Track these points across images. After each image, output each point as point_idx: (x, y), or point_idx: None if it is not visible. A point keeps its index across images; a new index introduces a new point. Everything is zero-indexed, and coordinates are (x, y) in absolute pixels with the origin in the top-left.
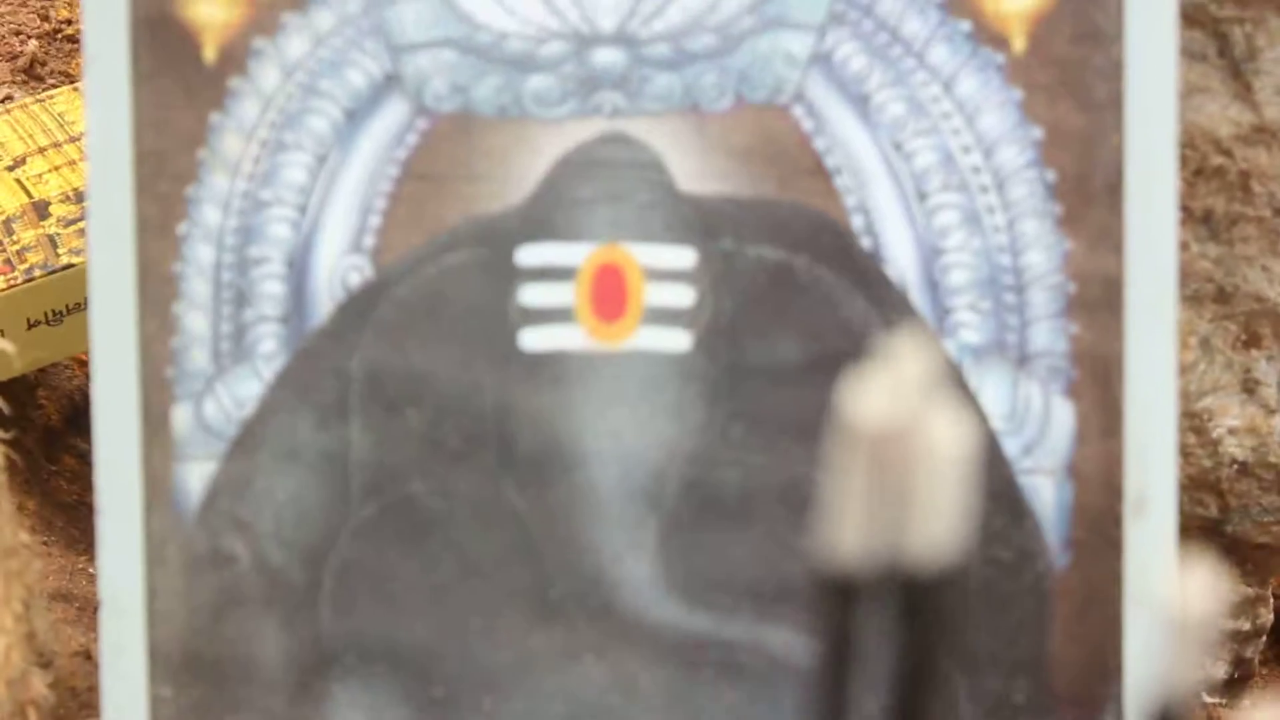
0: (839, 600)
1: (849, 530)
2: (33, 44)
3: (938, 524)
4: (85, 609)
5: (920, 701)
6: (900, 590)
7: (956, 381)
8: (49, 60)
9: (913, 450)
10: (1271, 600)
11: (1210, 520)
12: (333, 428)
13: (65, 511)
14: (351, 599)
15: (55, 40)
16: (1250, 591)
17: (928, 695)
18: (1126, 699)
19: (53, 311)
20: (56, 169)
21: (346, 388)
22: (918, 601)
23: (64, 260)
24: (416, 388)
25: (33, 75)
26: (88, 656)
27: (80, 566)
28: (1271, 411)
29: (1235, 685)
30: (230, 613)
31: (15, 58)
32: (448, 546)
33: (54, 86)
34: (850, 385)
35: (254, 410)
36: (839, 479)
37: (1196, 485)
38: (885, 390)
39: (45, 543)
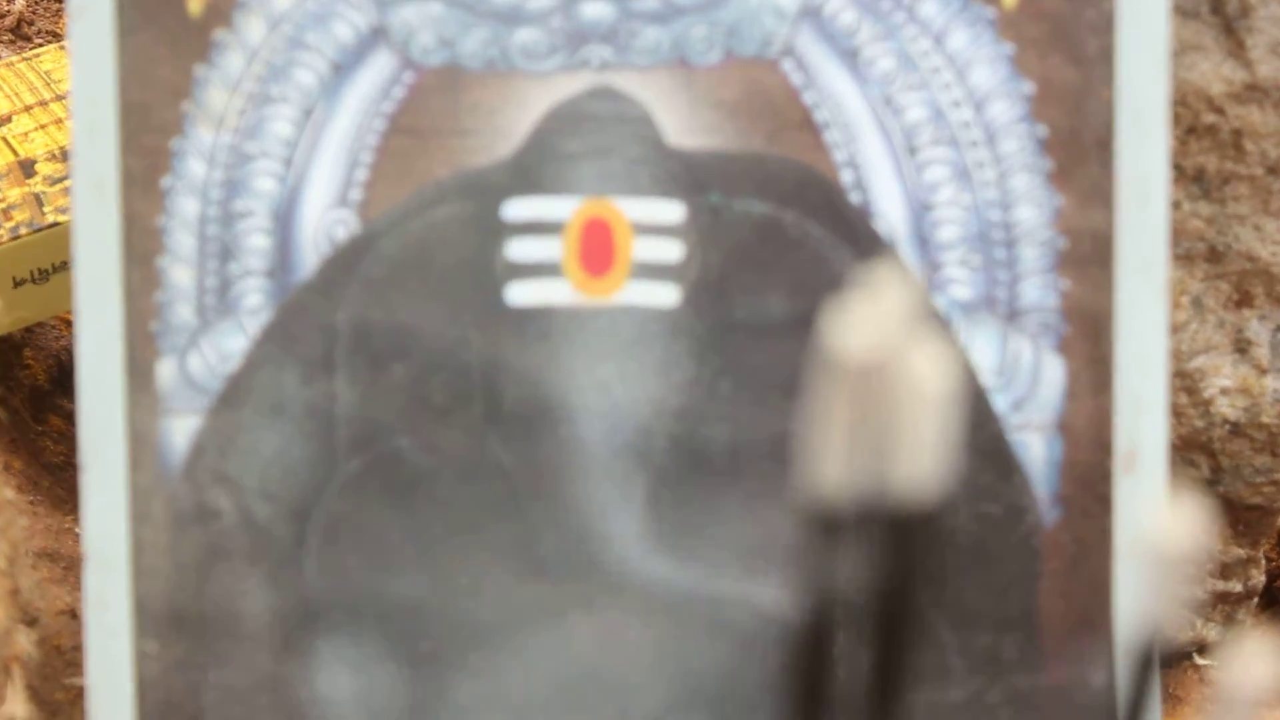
0: (822, 537)
1: (831, 465)
2: (20, 3)
3: (920, 459)
4: (71, 568)
5: (904, 647)
6: (883, 526)
7: (946, 336)
8: (36, 20)
9: (894, 383)
10: (1263, 562)
11: (1202, 481)
12: (318, 382)
13: (52, 472)
14: (337, 554)
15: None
16: (1242, 553)
17: (912, 641)
18: (1116, 654)
19: (39, 270)
20: (43, 127)
21: (332, 342)
22: (900, 538)
23: (50, 219)
24: (403, 342)
25: (20, 35)
26: (73, 615)
27: (67, 526)
28: (1264, 371)
29: (1229, 643)
30: (215, 568)
31: (2, 17)
32: (434, 502)
33: (41, 45)
34: (832, 318)
35: (239, 365)
36: (820, 413)
37: (1188, 445)
38: (867, 322)
39: (32, 502)
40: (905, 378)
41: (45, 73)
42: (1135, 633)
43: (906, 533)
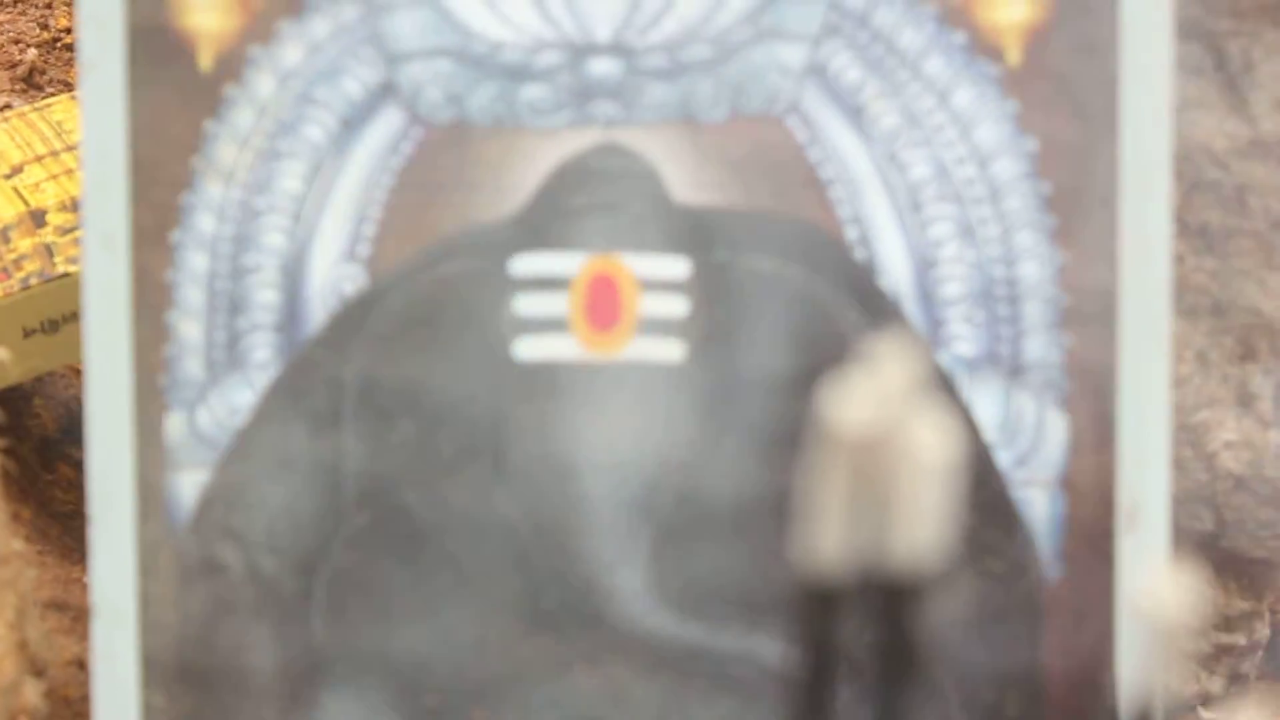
0: (820, 606)
1: (829, 536)
2: (32, 53)
3: (919, 530)
4: (80, 619)
5: (908, 709)
6: (881, 596)
7: (950, 393)
8: (48, 69)
9: (894, 456)
10: (1268, 615)
11: (1206, 534)
12: (326, 437)
13: (60, 521)
14: (343, 608)
15: (54, 49)
16: (1246, 606)
17: (915, 703)
18: (1119, 712)
19: (49, 320)
20: (54, 177)
21: (340, 397)
22: (899, 608)
23: (60, 269)
24: (410, 397)
25: (32, 84)
26: (81, 666)
27: (75, 576)
28: (1267, 425)
29: (1231, 700)
30: (222, 621)
31: (14, 66)
32: (440, 556)
33: (53, 95)
34: (832, 390)
35: (247, 419)
36: (819, 484)
37: (1192, 499)
38: (867, 395)
39: (40, 552)
40: (905, 448)
41: (57, 123)
42: (1136, 693)
43: (905, 602)
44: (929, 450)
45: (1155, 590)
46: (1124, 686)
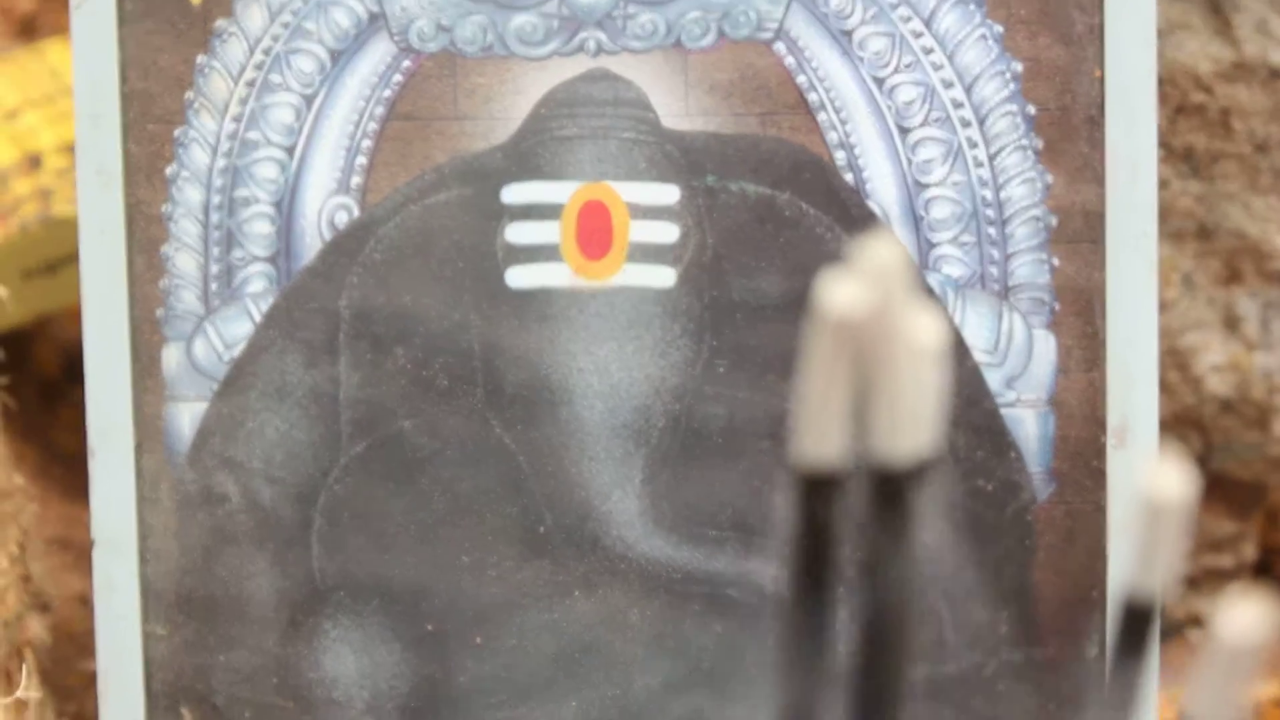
0: (814, 494)
1: (825, 424)
2: (28, 1)
3: (910, 414)
4: (83, 556)
5: (903, 618)
6: (874, 483)
7: (940, 314)
8: (46, 15)
9: (885, 338)
10: (1254, 536)
11: (1193, 456)
12: (321, 366)
13: (63, 461)
14: (342, 536)
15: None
16: (1232, 527)
17: (910, 609)
18: (1109, 625)
19: (48, 262)
20: (51, 121)
21: (335, 326)
22: (892, 495)
23: (58, 211)
24: (404, 326)
25: (28, 31)
26: (84, 602)
27: (78, 515)
28: (1253, 347)
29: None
30: (222, 551)
31: (10, 13)
32: (436, 483)
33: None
34: (824, 280)
35: (243, 350)
36: (811, 369)
37: (1179, 422)
38: (858, 280)
39: (43, 491)
40: (896, 330)
41: (53, 67)
42: (1125, 598)
43: (898, 489)
44: (920, 332)
45: (1150, 485)
46: (1114, 603)
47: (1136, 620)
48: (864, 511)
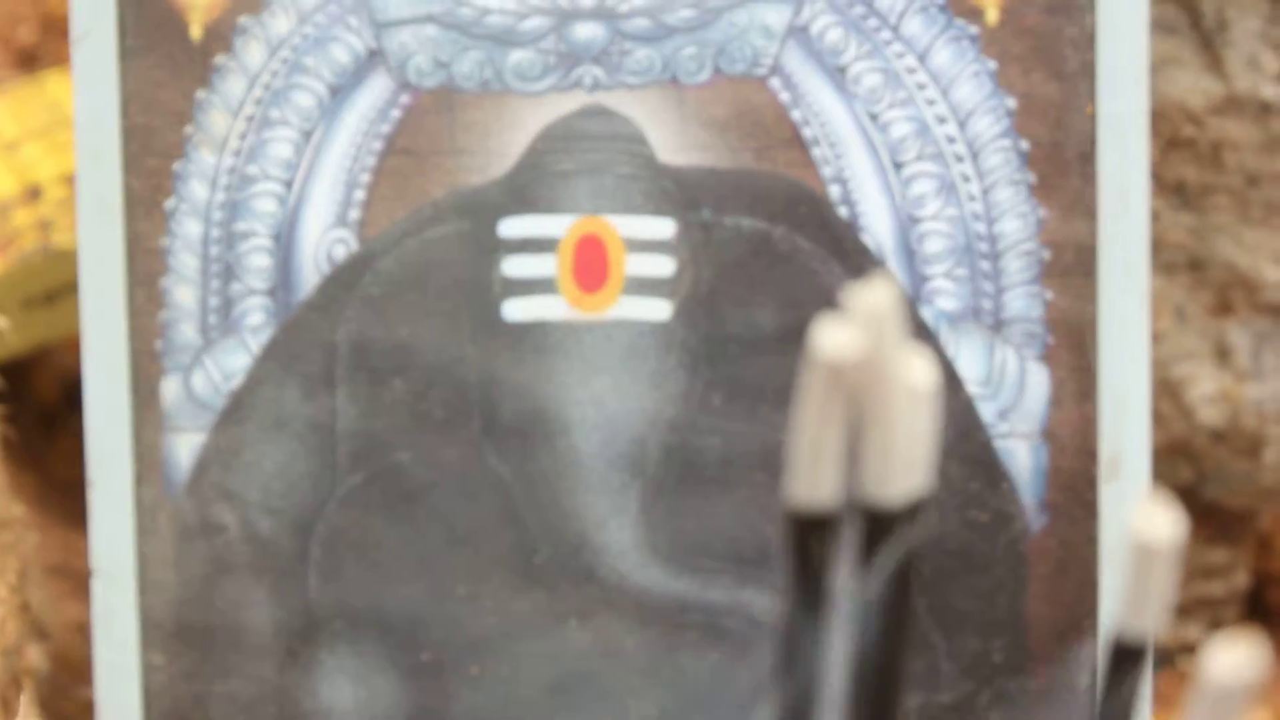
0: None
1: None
2: (29, 32)
3: (902, 456)
4: (81, 584)
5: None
6: (865, 524)
7: (933, 347)
8: (46, 47)
9: (878, 380)
10: (1245, 565)
11: (1185, 485)
12: (319, 398)
13: (63, 490)
14: (339, 567)
15: (52, 31)
16: (1223, 555)
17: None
18: (1100, 656)
19: (48, 292)
20: (51, 152)
21: (332, 359)
22: (883, 535)
23: (58, 242)
24: (401, 358)
25: (28, 62)
26: (83, 630)
27: (76, 544)
28: (1244, 378)
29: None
30: (220, 581)
31: (10, 44)
32: (433, 514)
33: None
34: (819, 323)
35: (242, 382)
36: (804, 411)
37: (1171, 451)
38: (853, 321)
39: (42, 520)
40: (889, 373)
41: (53, 98)
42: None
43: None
44: (913, 375)
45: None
46: (1105, 642)
47: (1127, 660)
48: (858, 551)
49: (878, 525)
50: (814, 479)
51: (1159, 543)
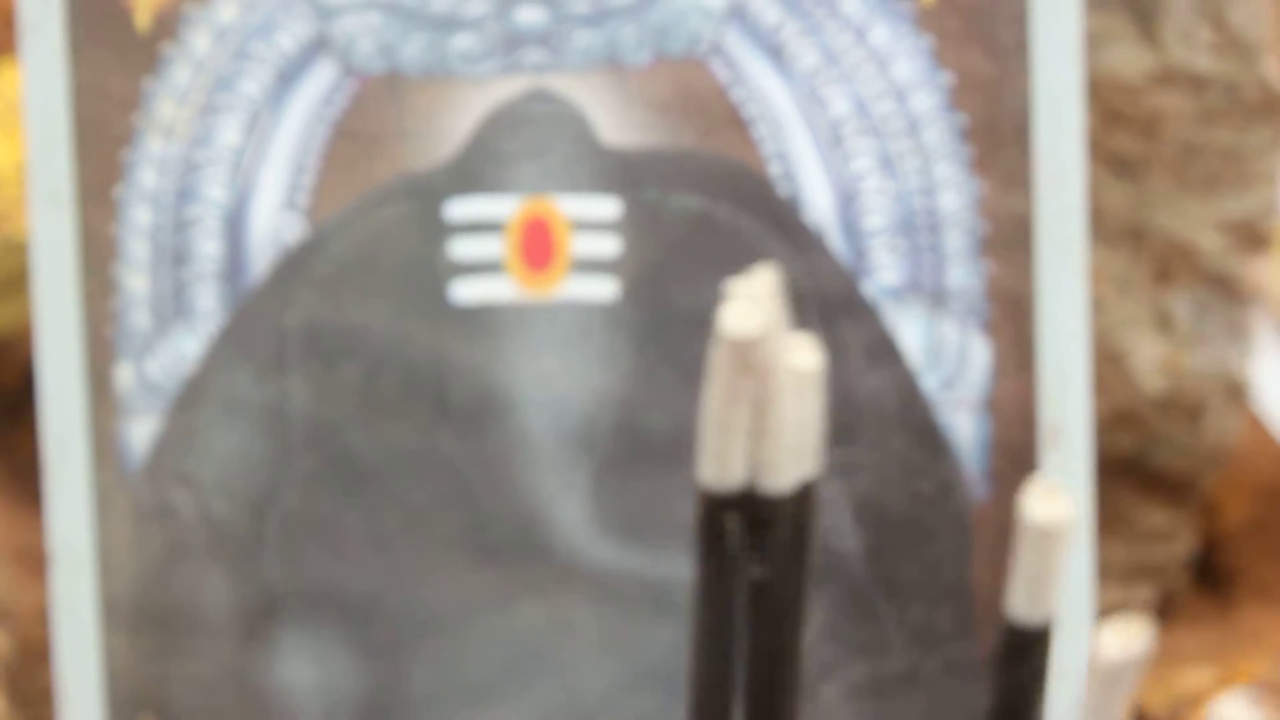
0: (715, 514)
1: (722, 441)
2: None
3: (789, 442)
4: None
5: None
6: (756, 509)
7: (875, 321)
8: (2, 37)
9: (770, 363)
10: (1192, 528)
11: (1128, 453)
12: (271, 382)
13: (26, 475)
14: (294, 549)
15: (7, 22)
16: (1164, 522)
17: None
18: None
19: (6, 283)
20: (6, 143)
21: (284, 343)
22: (772, 521)
23: (14, 232)
24: (352, 341)
25: None
26: (47, 612)
27: (40, 526)
28: (1185, 345)
29: (1162, 616)
30: (178, 564)
31: None
32: (386, 495)
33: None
34: (722, 303)
35: (195, 367)
36: (712, 391)
37: (1115, 419)
38: (747, 305)
39: (7, 504)
40: (779, 355)
41: (6, 88)
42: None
43: (780, 516)
44: (798, 358)
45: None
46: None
47: (1024, 644)
48: (748, 536)
49: (768, 510)
50: (723, 458)
51: (1051, 525)
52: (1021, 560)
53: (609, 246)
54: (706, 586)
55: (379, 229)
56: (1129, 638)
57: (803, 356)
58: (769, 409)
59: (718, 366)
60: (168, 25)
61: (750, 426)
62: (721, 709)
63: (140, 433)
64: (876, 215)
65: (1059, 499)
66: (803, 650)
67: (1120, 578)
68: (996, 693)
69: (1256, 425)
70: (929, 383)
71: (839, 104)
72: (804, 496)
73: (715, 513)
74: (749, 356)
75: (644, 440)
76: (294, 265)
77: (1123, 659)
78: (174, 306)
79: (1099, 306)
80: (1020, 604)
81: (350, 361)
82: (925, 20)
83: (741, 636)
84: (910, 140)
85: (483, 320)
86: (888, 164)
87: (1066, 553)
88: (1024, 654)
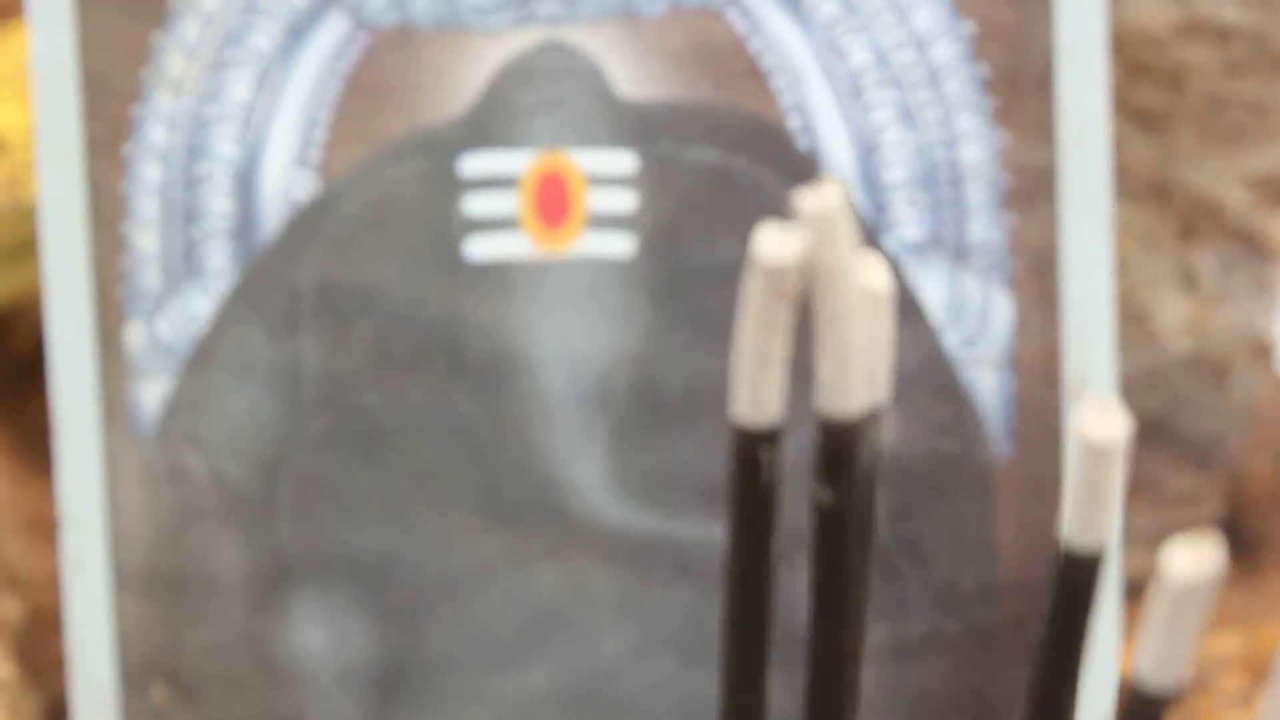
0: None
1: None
2: None
3: (859, 365)
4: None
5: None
6: (824, 437)
7: (896, 277)
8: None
9: (830, 287)
10: (1218, 491)
11: (1154, 413)
12: (284, 341)
13: (39, 441)
14: (307, 510)
15: None
16: (1195, 483)
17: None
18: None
19: (19, 247)
20: (17, 104)
21: (296, 301)
22: (842, 448)
23: (26, 196)
24: (365, 299)
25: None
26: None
27: (52, 493)
28: (1211, 303)
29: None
30: (189, 526)
31: None
32: (401, 455)
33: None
34: (760, 229)
35: (206, 327)
36: (746, 323)
37: (1139, 379)
38: (800, 228)
39: (19, 471)
40: (843, 280)
41: (18, 48)
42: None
43: (850, 443)
44: (867, 277)
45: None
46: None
47: (1080, 571)
48: (817, 465)
49: (837, 438)
50: (759, 392)
51: (1107, 442)
52: (1076, 483)
53: (625, 201)
54: (742, 529)
55: (392, 185)
56: (1199, 557)
57: (874, 276)
58: (837, 330)
59: (752, 295)
60: None
61: (819, 349)
62: (756, 664)
63: (151, 394)
64: (897, 168)
65: (1114, 415)
66: (869, 582)
67: (1146, 543)
68: (1049, 624)
69: None
70: (951, 339)
71: (858, 54)
72: (874, 421)
73: (750, 450)
74: (785, 284)
75: (662, 398)
76: (306, 222)
77: (1195, 580)
78: (185, 265)
79: (1123, 265)
80: (1075, 529)
81: (363, 320)
82: None
83: (775, 578)
84: (931, 91)
85: (498, 278)
86: (908, 116)
87: (1121, 473)
88: (1078, 583)
